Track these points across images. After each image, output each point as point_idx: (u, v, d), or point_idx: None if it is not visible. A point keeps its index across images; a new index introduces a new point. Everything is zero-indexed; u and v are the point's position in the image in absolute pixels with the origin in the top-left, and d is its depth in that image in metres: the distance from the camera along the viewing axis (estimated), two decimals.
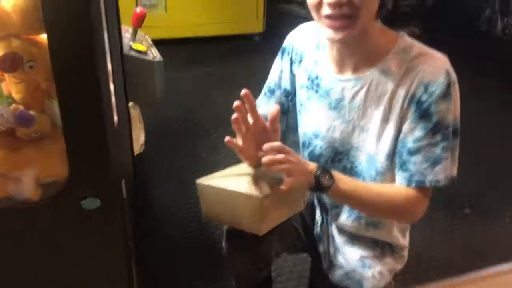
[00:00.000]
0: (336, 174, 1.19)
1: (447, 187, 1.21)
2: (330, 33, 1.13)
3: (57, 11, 0.85)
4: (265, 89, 1.44)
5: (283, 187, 1.10)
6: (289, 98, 1.40)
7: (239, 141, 1.15)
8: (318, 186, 1.15)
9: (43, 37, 0.86)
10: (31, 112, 0.97)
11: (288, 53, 1.38)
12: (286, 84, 1.40)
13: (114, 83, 0.98)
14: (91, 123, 0.97)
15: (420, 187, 1.20)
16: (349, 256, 1.40)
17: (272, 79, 1.43)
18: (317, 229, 1.50)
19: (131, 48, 1.46)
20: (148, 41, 1.64)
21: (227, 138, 1.11)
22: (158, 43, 4.23)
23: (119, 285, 1.19)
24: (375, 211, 1.30)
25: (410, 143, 1.18)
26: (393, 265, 1.42)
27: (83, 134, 0.98)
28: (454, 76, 1.16)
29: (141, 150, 1.16)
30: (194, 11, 4.02)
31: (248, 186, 1.16)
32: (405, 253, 1.46)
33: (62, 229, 1.08)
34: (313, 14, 1.15)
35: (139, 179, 1.85)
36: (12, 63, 0.92)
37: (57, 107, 0.91)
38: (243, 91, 1.11)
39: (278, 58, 1.41)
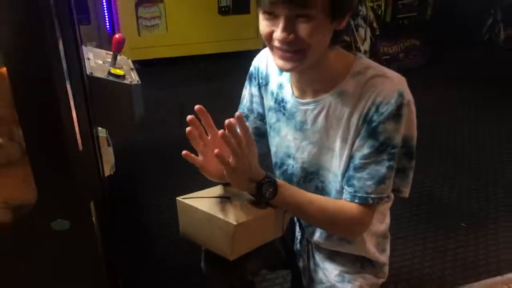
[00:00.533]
0: (283, 187, 1.21)
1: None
2: (280, 63, 1.15)
3: (13, 45, 0.90)
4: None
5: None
6: (264, 121, 1.42)
7: (200, 157, 1.18)
8: (259, 195, 1.18)
9: (3, 70, 0.91)
10: None
11: (255, 78, 1.40)
12: (258, 108, 1.43)
13: (76, 108, 1.02)
14: (54, 148, 1.00)
15: (363, 203, 1.21)
16: (329, 271, 1.41)
17: (244, 105, 1.45)
18: (297, 245, 1.51)
19: (109, 73, 1.50)
20: (129, 65, 1.68)
21: (184, 152, 1.14)
22: (160, 62, 4.36)
23: None
24: (319, 224, 1.33)
25: (357, 160, 1.20)
26: (373, 279, 1.42)
27: (47, 159, 1.01)
28: (408, 97, 1.17)
29: (111, 172, 1.20)
30: (194, 30, 4.13)
31: (224, 210, 1.17)
32: (386, 269, 1.47)
33: (34, 248, 1.11)
34: (266, 43, 1.17)
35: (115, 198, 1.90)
36: None
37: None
38: (196, 107, 1.15)
39: (246, 84, 1.43)
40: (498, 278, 2.04)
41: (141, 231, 2.32)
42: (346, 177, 1.23)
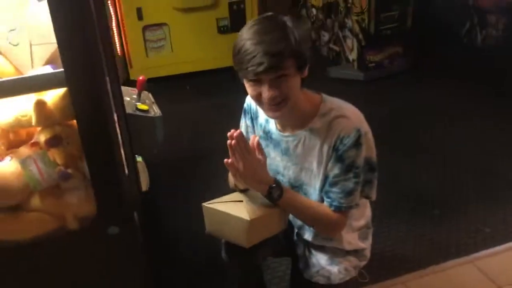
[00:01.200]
0: (288, 192, 1.57)
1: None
2: (270, 114, 1.52)
3: (81, 106, 1.30)
4: None
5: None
6: None
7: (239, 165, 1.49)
8: (269, 196, 1.54)
9: (75, 122, 1.30)
10: (69, 171, 1.42)
11: (248, 112, 1.77)
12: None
13: (123, 144, 1.40)
14: (109, 175, 1.40)
15: (337, 211, 1.60)
16: (320, 257, 1.77)
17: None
18: (295, 237, 1.86)
19: (136, 108, 1.90)
20: (150, 99, 2.08)
21: (226, 160, 1.47)
22: (167, 79, 4.63)
23: None
24: (310, 224, 1.69)
25: (330, 178, 1.58)
26: (356, 262, 1.79)
27: (104, 183, 1.41)
28: (364, 130, 1.56)
29: (147, 189, 1.57)
30: (197, 49, 4.40)
31: (240, 210, 1.51)
32: (367, 252, 1.83)
33: (96, 249, 1.50)
34: (255, 101, 1.53)
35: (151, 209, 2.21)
36: (56, 142, 1.37)
37: (86, 166, 1.35)
38: (233, 133, 1.44)
39: (242, 116, 1.79)
40: (464, 258, 2.38)
41: (162, 234, 2.66)
42: (324, 191, 1.61)
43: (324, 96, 1.62)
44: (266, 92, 1.45)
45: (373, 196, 1.74)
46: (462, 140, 3.40)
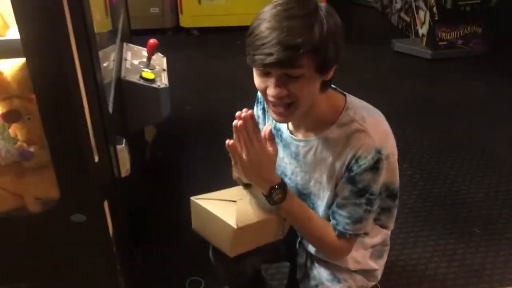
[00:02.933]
0: (292, 197, 1.36)
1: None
2: (274, 117, 1.29)
3: (41, 80, 1.11)
4: None
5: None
6: None
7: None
8: (269, 198, 1.33)
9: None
10: (31, 149, 1.26)
11: (260, 102, 1.54)
12: (260, 128, 1.58)
13: (93, 127, 1.22)
14: (71, 161, 1.23)
15: (341, 236, 1.37)
16: (322, 270, 1.56)
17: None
18: (297, 244, 1.66)
19: (140, 76, 1.70)
20: (162, 65, 1.87)
21: (228, 141, 1.24)
22: (218, 30, 4.46)
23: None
24: (309, 241, 1.49)
25: (339, 199, 1.36)
26: (363, 282, 1.57)
27: (69, 167, 1.24)
28: (386, 152, 1.31)
29: (127, 174, 1.41)
30: (253, 1, 4.08)
31: (229, 213, 1.33)
32: (378, 272, 1.60)
33: (56, 236, 1.37)
34: (262, 96, 1.29)
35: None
36: (13, 117, 1.21)
37: None
38: (241, 114, 1.22)
39: (255, 106, 1.57)
40: None
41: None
42: (331, 210, 1.39)
43: (350, 100, 1.36)
44: (271, 89, 1.21)
45: (391, 226, 1.53)
46: None
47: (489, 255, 2.28)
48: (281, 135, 1.47)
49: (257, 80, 1.26)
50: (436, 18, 3.84)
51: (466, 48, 4.01)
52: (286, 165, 1.48)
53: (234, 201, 1.38)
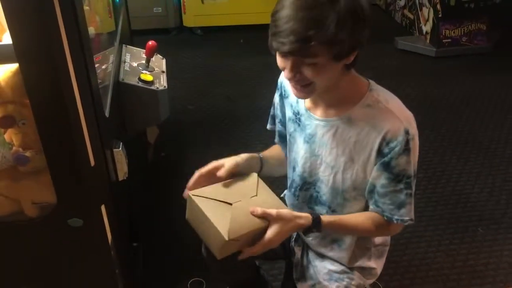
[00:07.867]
0: (323, 222, 1.35)
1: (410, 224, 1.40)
2: (294, 92, 1.30)
3: (34, 86, 1.10)
4: (271, 112, 1.63)
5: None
6: (285, 127, 1.56)
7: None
8: (307, 232, 1.35)
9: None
10: (27, 154, 1.25)
11: (279, 89, 1.54)
12: (280, 115, 1.57)
13: (89, 131, 1.22)
14: (67, 166, 1.22)
15: (389, 222, 1.38)
16: (319, 269, 1.55)
17: (273, 107, 1.61)
18: (292, 242, 1.65)
19: (139, 79, 1.69)
20: (162, 66, 1.86)
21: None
22: (221, 29, 4.46)
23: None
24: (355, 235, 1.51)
25: (378, 188, 1.35)
26: (361, 280, 1.54)
27: (64, 171, 1.24)
28: (413, 131, 1.30)
29: (125, 177, 1.41)
30: (255, 0, 4.14)
31: (223, 219, 1.28)
32: (377, 270, 1.59)
33: (54, 240, 1.36)
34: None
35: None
36: (8, 122, 1.21)
37: None
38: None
39: (275, 92, 1.57)
40: None
41: None
42: (373, 200, 1.38)
43: (373, 83, 1.36)
44: (286, 72, 1.23)
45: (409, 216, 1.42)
46: None
47: (493, 255, 2.27)
48: (299, 118, 1.45)
49: (278, 60, 1.26)
50: (440, 15, 3.80)
51: (470, 45, 3.97)
52: (299, 151, 1.47)
53: (231, 204, 1.36)
